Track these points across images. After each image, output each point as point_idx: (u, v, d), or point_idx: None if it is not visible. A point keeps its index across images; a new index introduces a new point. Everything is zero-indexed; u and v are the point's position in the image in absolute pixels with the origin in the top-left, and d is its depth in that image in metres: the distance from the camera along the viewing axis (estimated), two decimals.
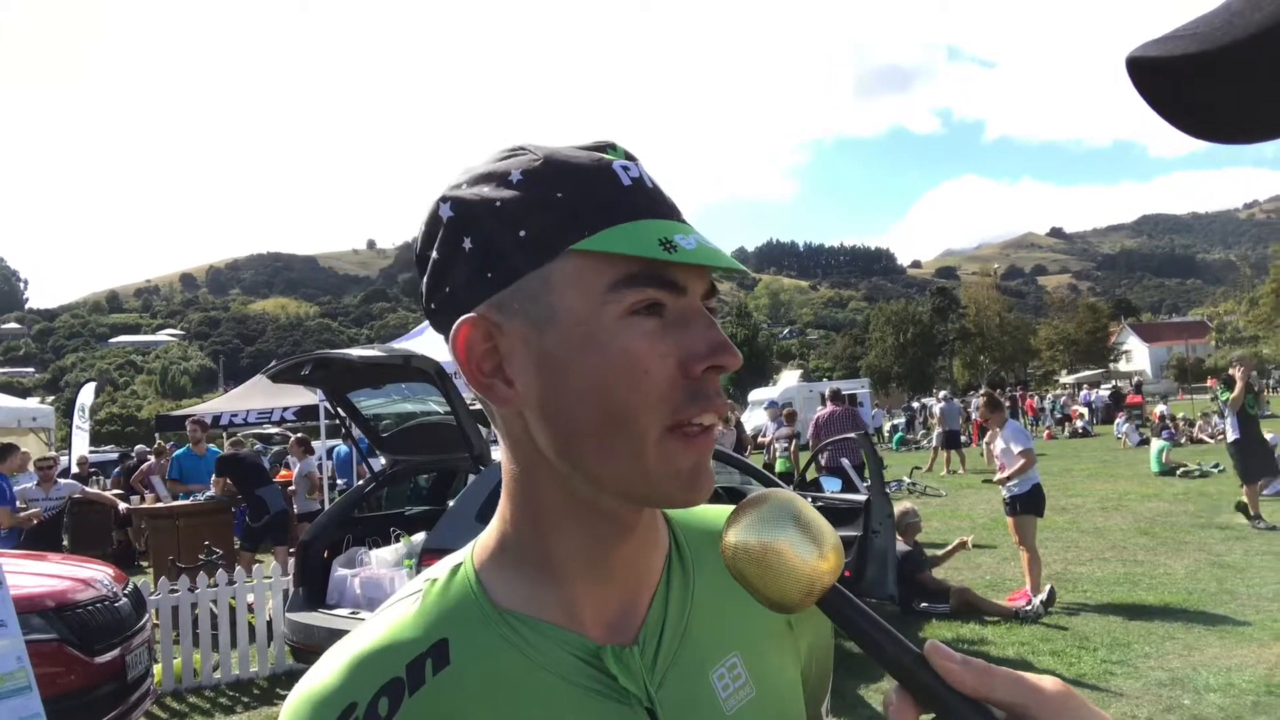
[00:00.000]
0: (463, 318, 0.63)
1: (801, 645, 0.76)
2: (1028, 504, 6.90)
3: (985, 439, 10.99)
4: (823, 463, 9.43)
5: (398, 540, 6.13)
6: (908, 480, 15.54)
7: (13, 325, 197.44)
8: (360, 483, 7.15)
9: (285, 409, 13.72)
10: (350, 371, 5.57)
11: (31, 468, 9.63)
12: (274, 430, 20.12)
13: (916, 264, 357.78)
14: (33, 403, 19.54)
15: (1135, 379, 39.66)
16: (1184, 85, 0.42)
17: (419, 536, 5.80)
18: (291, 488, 10.98)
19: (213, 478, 9.62)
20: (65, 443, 16.26)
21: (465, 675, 0.64)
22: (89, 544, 10.46)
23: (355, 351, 5.41)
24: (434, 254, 0.65)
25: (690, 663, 0.68)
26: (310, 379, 5.82)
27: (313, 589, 5.80)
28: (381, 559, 5.81)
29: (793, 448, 13.34)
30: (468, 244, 0.63)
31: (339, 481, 12.29)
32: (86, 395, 16.97)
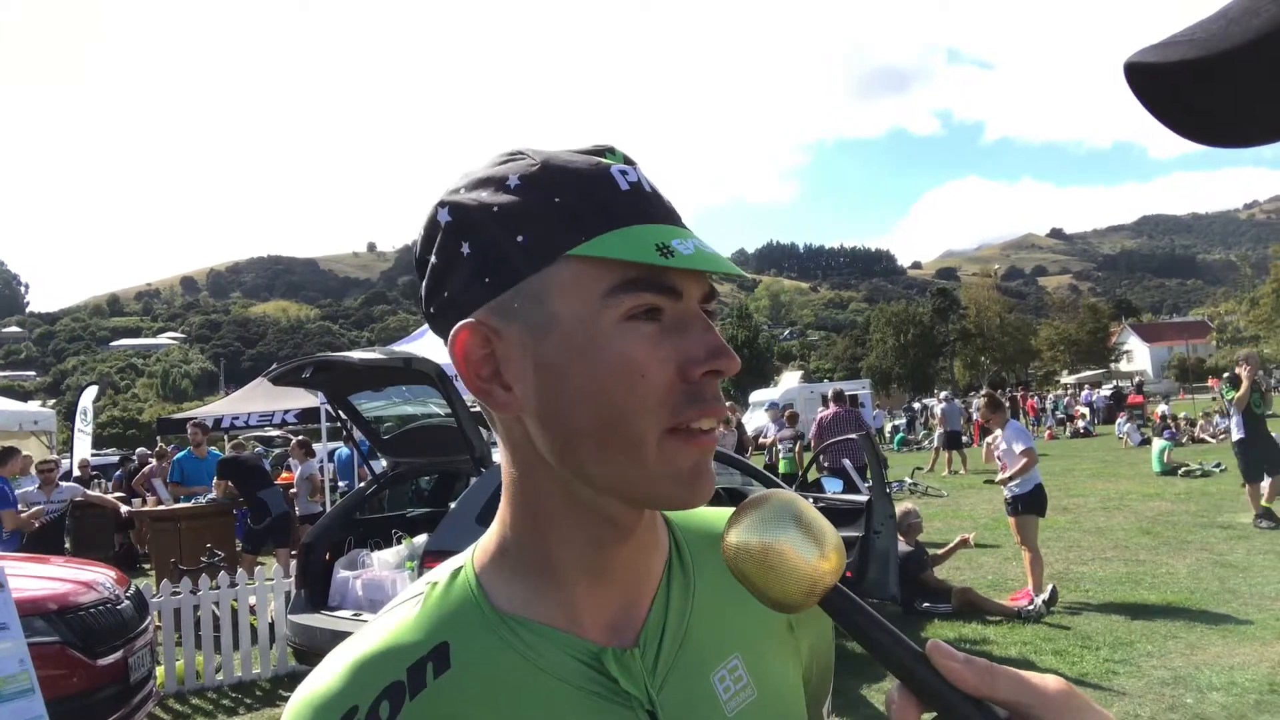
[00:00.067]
0: (461, 323, 0.63)
1: (803, 646, 0.76)
2: (1030, 504, 6.90)
3: (988, 439, 11.00)
4: (824, 463, 9.43)
5: (399, 542, 6.13)
6: (909, 481, 15.53)
7: (14, 329, 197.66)
8: (362, 485, 7.15)
9: (286, 412, 13.71)
10: (351, 374, 5.58)
11: (33, 471, 9.64)
12: (275, 433, 20.15)
13: (917, 265, 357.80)
14: (34, 406, 19.54)
15: (1136, 379, 39.67)
16: (1182, 90, 0.43)
17: (421, 538, 5.80)
18: (293, 490, 10.99)
19: (214, 480, 9.63)
20: (67, 446, 16.29)
21: (466, 679, 0.64)
22: (91, 547, 10.47)
23: (356, 354, 5.41)
24: (433, 258, 0.66)
25: (691, 665, 0.68)
26: (311, 382, 5.83)
27: (314, 591, 5.80)
28: (383, 561, 5.81)
29: (797, 449, 13.35)
30: (466, 249, 0.63)
31: (340, 484, 12.29)
32: (88, 399, 16.99)
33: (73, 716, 4.06)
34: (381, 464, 6.71)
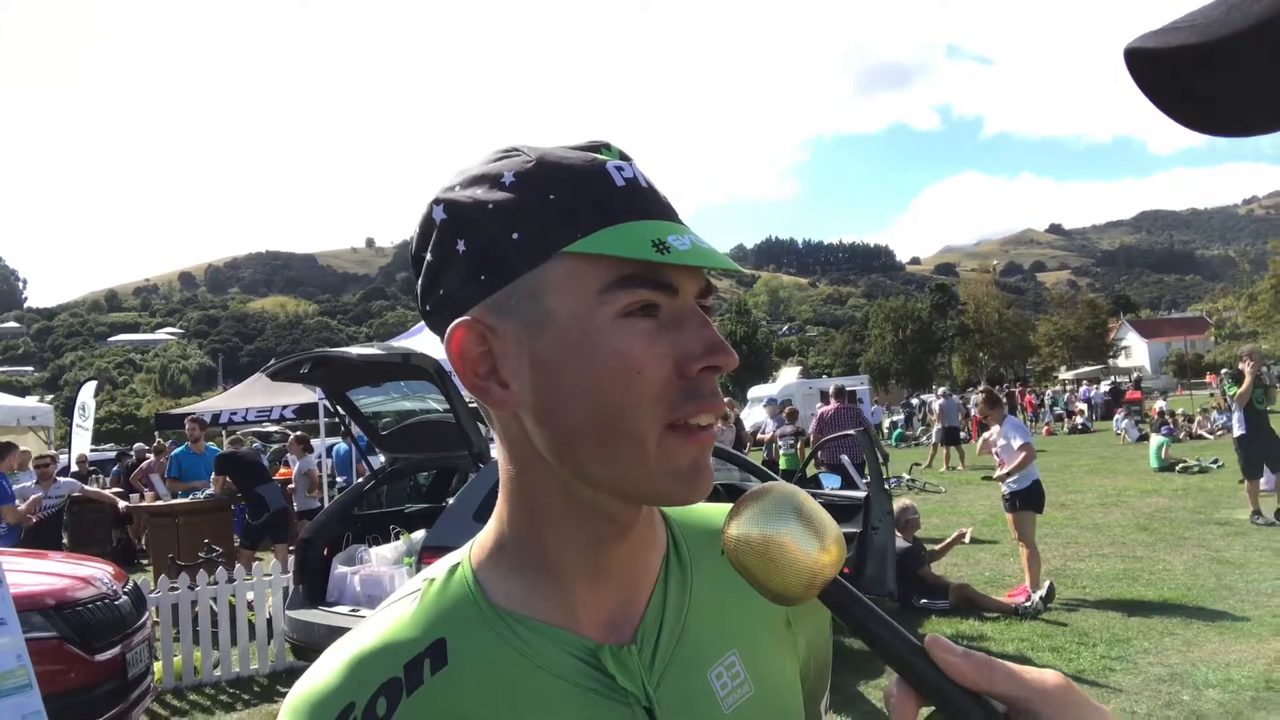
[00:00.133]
0: (457, 321, 0.63)
1: (800, 642, 0.76)
2: (1027, 500, 6.91)
3: (985, 434, 11.01)
4: (822, 459, 9.44)
5: (397, 538, 6.14)
6: (907, 477, 15.54)
7: (12, 324, 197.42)
8: (360, 480, 7.15)
9: (285, 407, 13.72)
10: (350, 370, 5.58)
11: (31, 466, 9.63)
12: (273, 428, 20.12)
13: (916, 260, 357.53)
14: (32, 401, 19.54)
15: (1134, 375, 39.71)
16: (1183, 77, 0.42)
17: (419, 534, 5.81)
18: (291, 485, 10.98)
19: (212, 476, 9.63)
20: (64, 441, 16.26)
21: (463, 675, 0.64)
22: (89, 542, 10.47)
23: (354, 350, 5.41)
24: (428, 256, 0.65)
25: (688, 661, 0.68)
26: (310, 377, 5.83)
27: (313, 586, 5.81)
28: (381, 556, 5.82)
29: (799, 445, 13.36)
30: (461, 246, 0.63)
31: (339, 479, 12.30)
32: (87, 394, 16.96)
33: (70, 712, 4.07)
34: (380, 459, 6.71)
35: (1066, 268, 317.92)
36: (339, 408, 6.10)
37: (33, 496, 8.74)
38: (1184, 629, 5.88)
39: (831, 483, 7.85)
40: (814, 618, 0.77)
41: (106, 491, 12.87)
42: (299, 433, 12.55)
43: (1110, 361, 66.77)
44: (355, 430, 6.41)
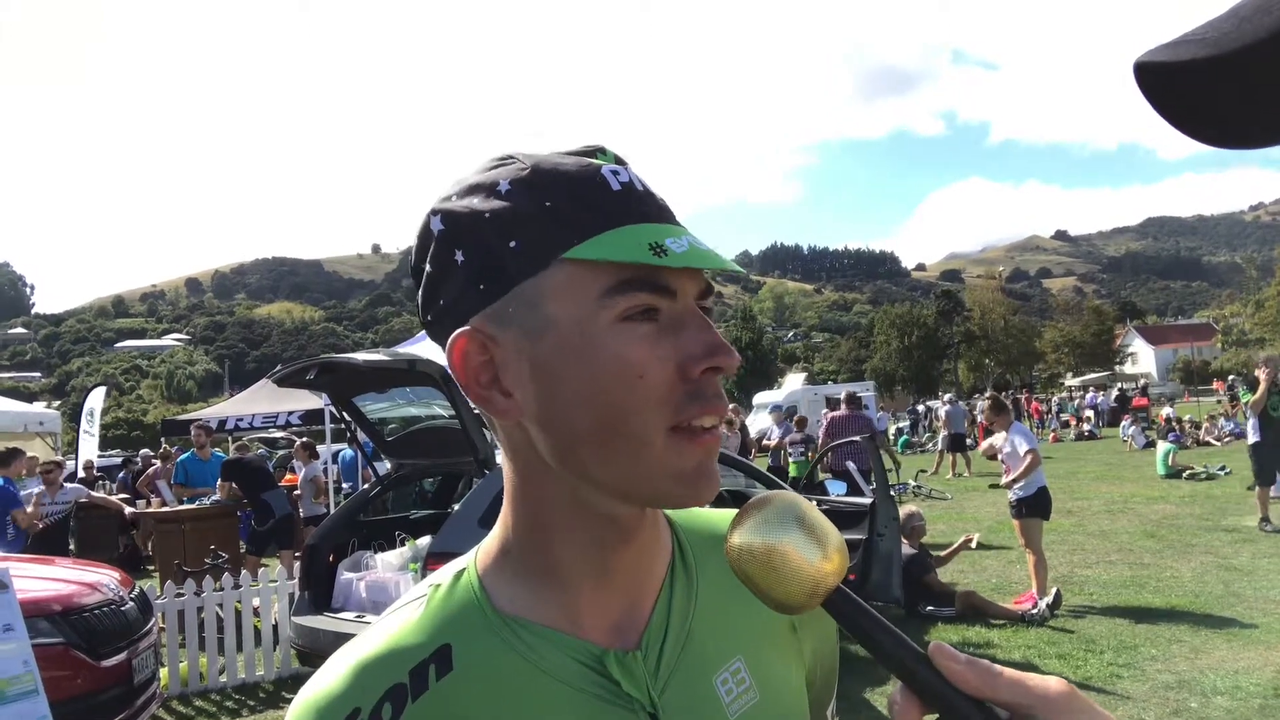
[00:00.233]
0: (458, 331, 0.63)
1: (806, 649, 0.76)
2: (1034, 507, 6.88)
3: (989, 440, 10.99)
4: (829, 464, 9.44)
5: (403, 544, 6.14)
6: (913, 483, 15.51)
7: (19, 330, 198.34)
8: (365, 487, 7.16)
9: (291, 413, 13.71)
10: (356, 376, 5.59)
11: (37, 471, 9.66)
12: (279, 434, 20.13)
13: (921, 267, 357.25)
14: (39, 407, 19.58)
15: (1141, 381, 39.57)
16: (1193, 90, 0.42)
17: (424, 540, 5.80)
18: (297, 492, 11.00)
19: (218, 482, 9.65)
20: (71, 447, 16.31)
21: (468, 681, 0.64)
22: (95, 548, 10.46)
23: (360, 356, 5.42)
24: (428, 267, 0.66)
25: (693, 667, 0.68)
26: (316, 383, 5.85)
27: (318, 593, 5.81)
28: (387, 563, 5.82)
29: (809, 452, 13.34)
30: (459, 256, 0.63)
31: (344, 485, 12.30)
32: (96, 399, 16.98)
33: (77, 718, 4.07)
34: (385, 466, 6.72)
35: (1072, 274, 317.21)
36: (345, 414, 6.10)
37: (35, 491, 8.75)
38: (1192, 636, 5.85)
39: (837, 489, 7.83)
40: (820, 624, 0.77)
41: (113, 498, 12.90)
42: (305, 439, 12.59)
43: (1117, 368, 66.52)
44: (361, 436, 6.43)
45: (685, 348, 0.61)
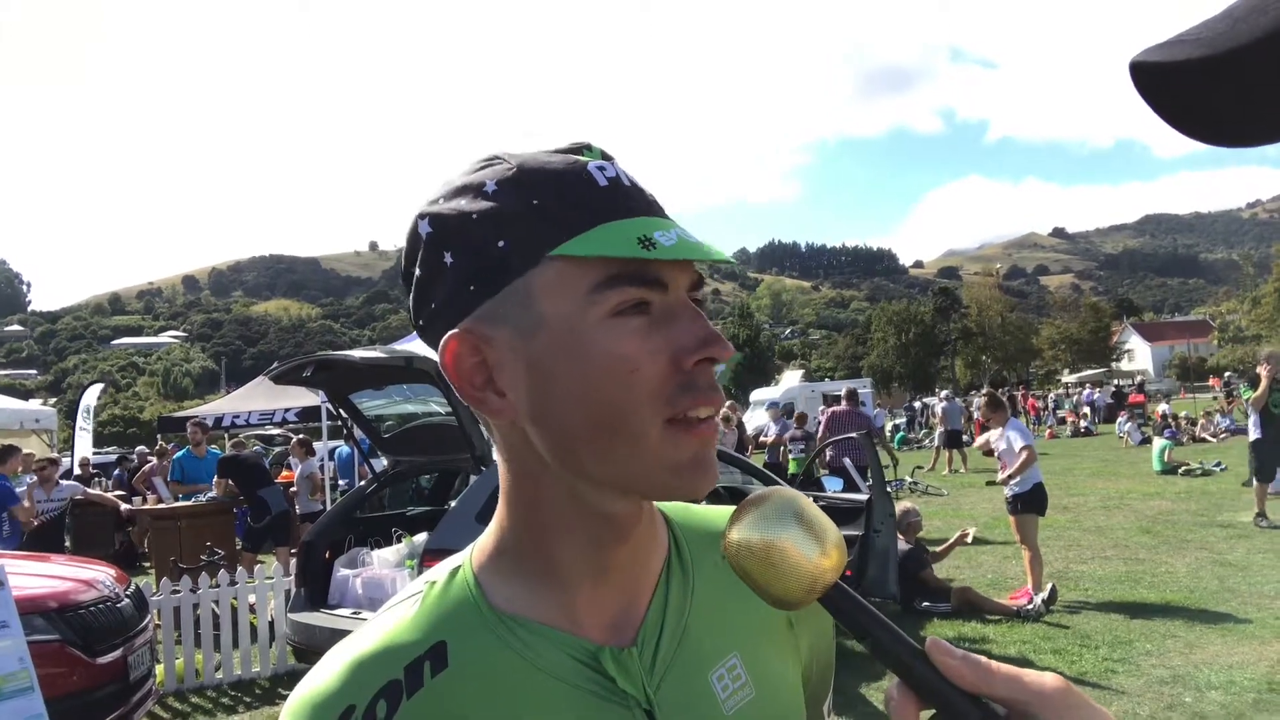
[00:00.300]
0: (449, 333, 0.63)
1: (802, 645, 0.76)
2: (1030, 503, 6.90)
3: (984, 435, 11.00)
4: (828, 459, 9.46)
5: (399, 541, 6.14)
6: (909, 480, 15.55)
7: (15, 327, 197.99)
8: (362, 483, 7.16)
9: (287, 410, 13.72)
10: (352, 373, 5.58)
11: (32, 468, 9.64)
12: (276, 431, 20.15)
13: (919, 264, 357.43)
14: (35, 404, 19.57)
15: (1137, 378, 39.68)
16: (1188, 90, 0.42)
17: (421, 537, 5.81)
18: (293, 488, 10.99)
19: (214, 479, 9.64)
20: (67, 444, 16.29)
21: (463, 678, 0.64)
22: (91, 545, 10.49)
23: (357, 353, 5.42)
24: (417, 271, 0.66)
25: (689, 664, 0.68)
26: (312, 380, 5.84)
27: (314, 589, 5.81)
28: (383, 559, 5.82)
29: (809, 449, 13.37)
30: (449, 258, 0.63)
31: (341, 482, 12.31)
32: (91, 396, 16.98)
33: (72, 715, 4.07)
34: (382, 462, 6.71)
35: (1070, 271, 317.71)
36: (341, 411, 6.10)
37: (27, 482, 8.73)
38: (1186, 631, 5.87)
39: (834, 485, 7.85)
40: (816, 620, 0.77)
41: (109, 494, 12.89)
42: (301, 436, 12.57)
43: (1113, 365, 66.64)
44: (357, 433, 6.42)
45: (677, 340, 0.61)
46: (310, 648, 5.33)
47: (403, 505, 7.30)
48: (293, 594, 5.98)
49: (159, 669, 5.67)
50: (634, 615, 0.69)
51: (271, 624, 6.52)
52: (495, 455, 0.69)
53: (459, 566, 0.71)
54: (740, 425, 14.59)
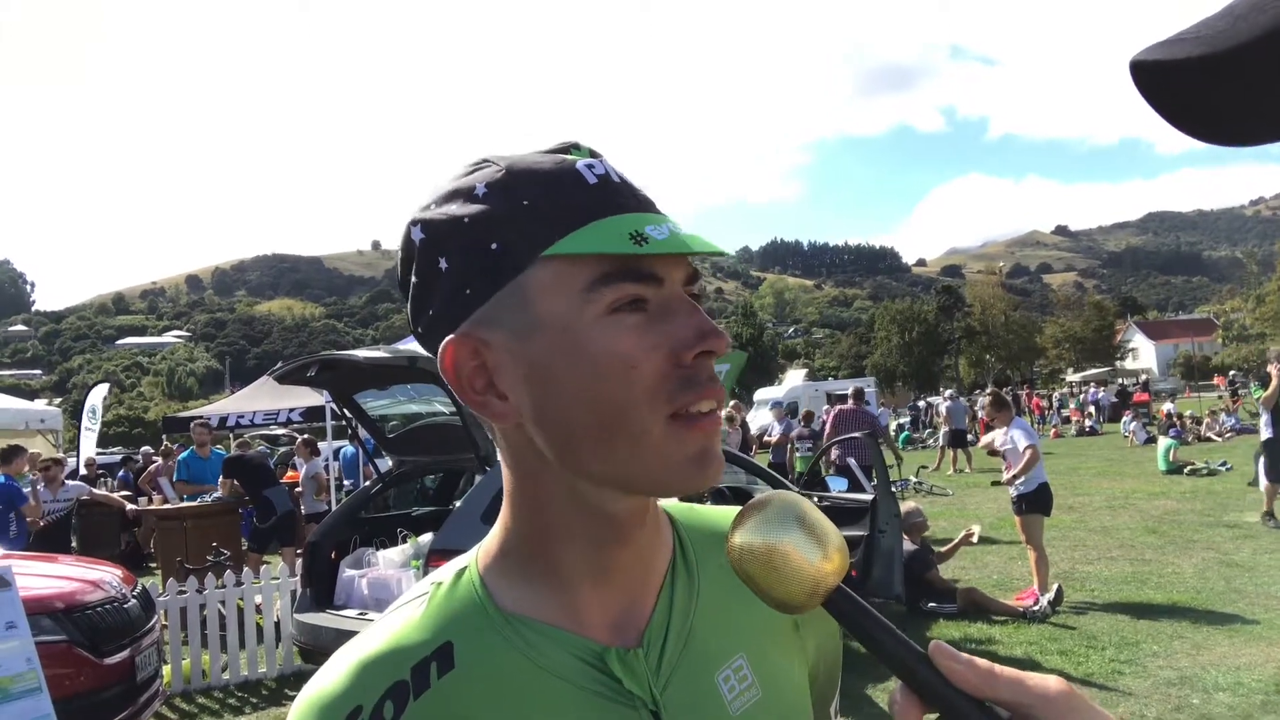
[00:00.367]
0: (447, 338, 0.63)
1: (809, 646, 0.76)
2: (1035, 503, 6.88)
3: (987, 435, 10.99)
4: (833, 459, 9.46)
5: (405, 541, 6.14)
6: (914, 480, 15.53)
7: (20, 327, 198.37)
8: (367, 484, 7.16)
9: (292, 410, 13.73)
10: (356, 373, 5.59)
11: (37, 468, 9.66)
12: (280, 431, 20.14)
13: (921, 262, 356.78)
14: (40, 404, 19.61)
15: (1142, 377, 39.57)
16: (1189, 88, 0.43)
17: (426, 537, 5.81)
18: (298, 489, 11.01)
19: (220, 479, 9.66)
20: (73, 444, 16.33)
21: (470, 678, 0.64)
22: (97, 545, 10.49)
23: (361, 353, 5.43)
24: (413, 279, 0.66)
25: (695, 664, 0.68)
26: (316, 380, 5.85)
27: (320, 590, 5.82)
28: (389, 560, 5.83)
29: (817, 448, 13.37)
30: (443, 264, 0.63)
31: (346, 482, 12.31)
32: (97, 396, 16.99)
33: (80, 715, 4.09)
34: (387, 463, 6.72)
35: (1073, 269, 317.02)
36: (346, 411, 6.11)
37: (31, 480, 8.75)
38: (1193, 632, 5.85)
39: (839, 485, 7.84)
40: (823, 621, 0.76)
41: (115, 495, 12.92)
42: (306, 436, 12.59)
43: (1117, 363, 66.49)
44: (362, 433, 6.43)
45: (675, 334, 0.61)
46: (316, 648, 5.34)
47: (408, 505, 7.31)
48: (298, 594, 5.99)
49: (166, 669, 5.69)
50: (640, 616, 0.69)
51: (278, 624, 6.53)
52: (498, 456, 0.69)
53: (465, 567, 0.71)
54: (744, 425, 14.59)
